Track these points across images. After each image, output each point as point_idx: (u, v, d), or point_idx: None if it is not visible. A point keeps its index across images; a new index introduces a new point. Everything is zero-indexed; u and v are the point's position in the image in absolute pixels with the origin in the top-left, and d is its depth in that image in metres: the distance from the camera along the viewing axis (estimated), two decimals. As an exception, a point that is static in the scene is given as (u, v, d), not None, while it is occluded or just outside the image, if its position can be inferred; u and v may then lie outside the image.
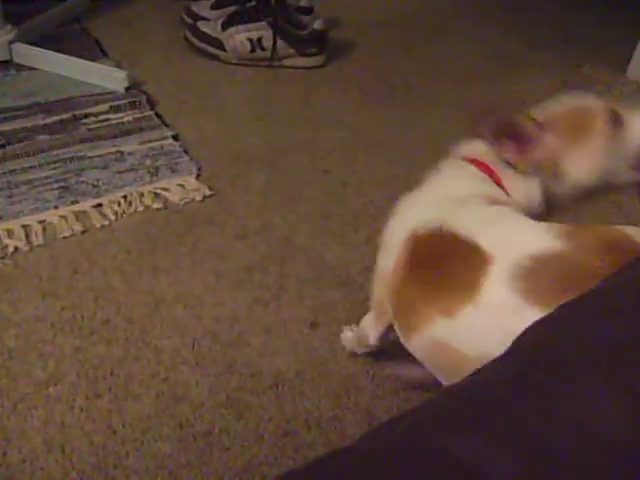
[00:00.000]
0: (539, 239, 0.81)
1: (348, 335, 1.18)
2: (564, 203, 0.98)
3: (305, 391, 1.12)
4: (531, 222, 0.87)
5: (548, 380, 0.44)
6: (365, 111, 1.89)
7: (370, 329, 1.05)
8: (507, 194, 0.95)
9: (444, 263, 0.85)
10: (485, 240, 0.82)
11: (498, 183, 0.95)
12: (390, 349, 1.17)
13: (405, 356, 0.93)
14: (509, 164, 0.95)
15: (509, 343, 0.76)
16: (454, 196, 0.92)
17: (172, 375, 1.12)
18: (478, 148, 0.98)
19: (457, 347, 0.82)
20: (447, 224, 0.86)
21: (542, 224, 0.86)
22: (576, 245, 0.80)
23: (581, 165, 0.94)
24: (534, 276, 0.78)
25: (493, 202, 0.92)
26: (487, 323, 0.79)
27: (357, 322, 1.17)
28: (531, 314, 0.74)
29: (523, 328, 0.75)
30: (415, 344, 0.89)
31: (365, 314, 1.13)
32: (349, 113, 1.87)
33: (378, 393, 1.13)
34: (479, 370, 0.50)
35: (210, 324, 1.21)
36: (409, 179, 1.01)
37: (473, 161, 0.97)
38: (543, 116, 0.95)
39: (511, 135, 0.92)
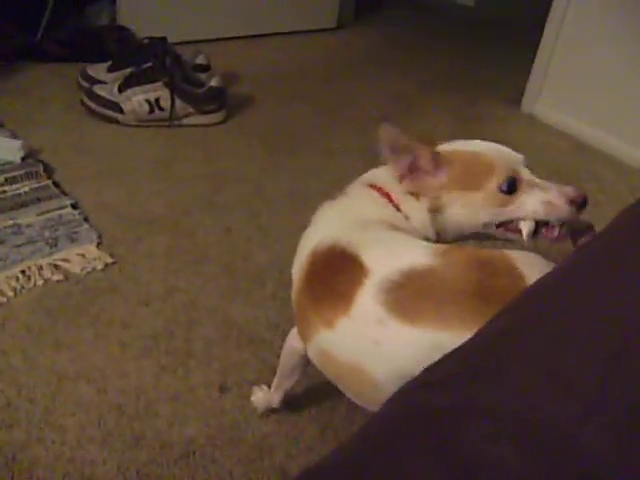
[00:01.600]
0: (413, 256, 0.85)
1: (259, 395, 1.18)
2: (452, 237, 1.01)
3: (217, 458, 1.10)
4: (416, 242, 0.91)
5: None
6: (267, 164, 1.92)
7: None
8: (406, 219, 0.99)
9: (332, 278, 0.89)
10: (368, 257, 0.87)
11: (398, 209, 0.99)
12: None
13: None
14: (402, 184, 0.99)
15: (378, 352, 0.80)
16: (359, 219, 0.96)
17: (78, 455, 1.09)
18: (380, 176, 1.02)
19: (336, 355, 0.86)
20: (341, 242, 0.90)
21: (424, 244, 0.91)
22: (446, 262, 0.84)
23: (458, 212, 0.97)
24: (400, 289, 0.82)
25: (393, 228, 0.96)
26: (357, 333, 0.84)
27: (267, 381, 1.17)
28: (394, 325, 0.80)
29: (388, 338, 0.80)
30: (309, 352, 0.93)
31: (274, 372, 1.13)
32: (251, 167, 1.89)
33: (292, 452, 1.12)
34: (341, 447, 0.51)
35: (116, 397, 1.18)
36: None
37: (375, 188, 1.01)
38: (449, 153, 0.98)
39: (407, 156, 0.97)
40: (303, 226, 1.02)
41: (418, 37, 3.15)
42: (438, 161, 0.96)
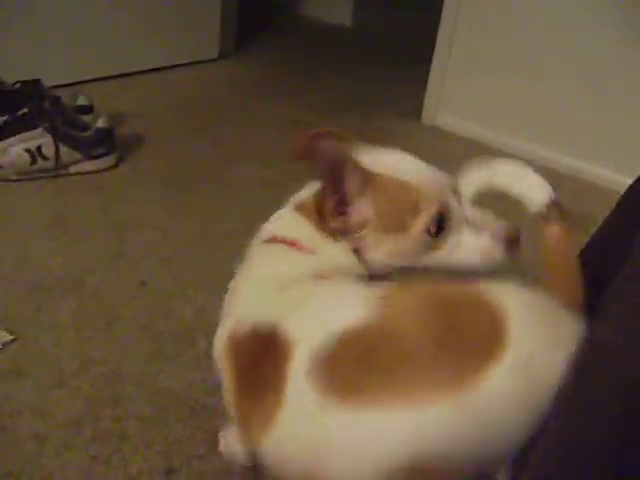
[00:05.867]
0: (344, 313, 0.70)
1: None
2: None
3: None
4: (348, 291, 0.75)
5: None
6: (170, 206, 1.75)
7: (236, 444, 0.88)
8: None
9: (259, 364, 0.72)
10: (291, 326, 0.71)
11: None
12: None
13: None
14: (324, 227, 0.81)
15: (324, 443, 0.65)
16: (275, 282, 0.78)
17: None
18: (279, 226, 0.85)
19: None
20: (260, 318, 0.74)
21: (361, 290, 0.73)
22: (390, 312, 0.68)
23: (383, 257, 0.80)
24: (333, 361, 0.67)
25: (320, 276, 0.78)
26: (300, 427, 0.68)
27: (218, 454, 1.01)
28: (336, 407, 0.65)
29: (334, 424, 0.64)
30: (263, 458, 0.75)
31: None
32: (153, 212, 1.71)
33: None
34: None
35: (39, 506, 0.98)
36: (234, 271, 0.89)
37: (278, 240, 0.83)
38: (372, 174, 0.80)
39: (337, 185, 0.78)
40: (222, 272, 0.87)
41: (304, 61, 3.07)
42: (365, 183, 0.78)
